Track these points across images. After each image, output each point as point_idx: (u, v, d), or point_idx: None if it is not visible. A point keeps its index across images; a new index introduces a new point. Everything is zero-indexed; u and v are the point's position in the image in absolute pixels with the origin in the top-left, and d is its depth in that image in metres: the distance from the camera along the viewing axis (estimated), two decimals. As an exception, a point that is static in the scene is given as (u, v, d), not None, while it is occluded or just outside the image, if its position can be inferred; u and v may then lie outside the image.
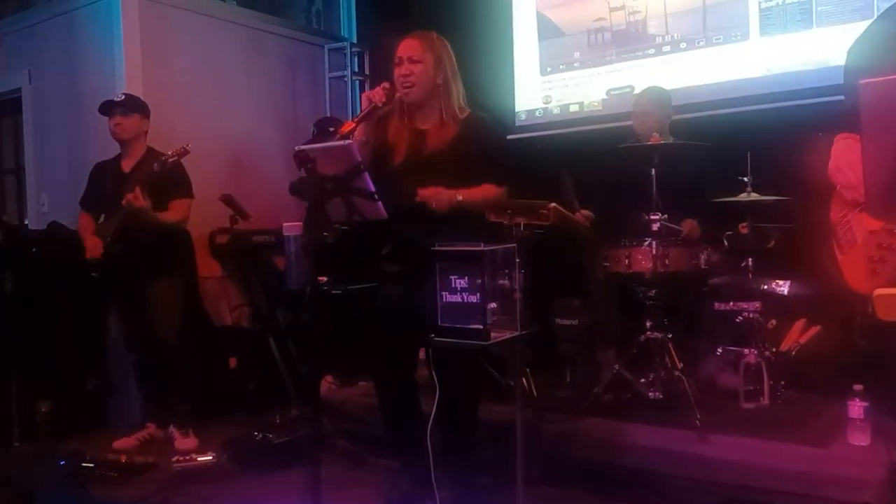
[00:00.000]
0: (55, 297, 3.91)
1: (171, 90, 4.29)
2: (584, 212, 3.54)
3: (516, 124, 4.70)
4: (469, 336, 2.03)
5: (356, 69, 5.42)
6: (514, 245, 2.18)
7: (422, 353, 2.80)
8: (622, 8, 4.30)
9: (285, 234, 3.39)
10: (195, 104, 4.43)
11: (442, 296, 2.07)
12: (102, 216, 3.55)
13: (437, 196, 2.43)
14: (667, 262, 3.02)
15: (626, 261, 3.10)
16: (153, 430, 3.68)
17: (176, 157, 3.33)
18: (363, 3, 5.55)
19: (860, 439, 2.65)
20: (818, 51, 3.69)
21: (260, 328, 4.22)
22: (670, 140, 3.42)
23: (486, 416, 2.68)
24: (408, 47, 2.57)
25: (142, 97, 3.67)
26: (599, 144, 3.66)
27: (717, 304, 3.19)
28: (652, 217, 3.05)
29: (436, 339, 2.08)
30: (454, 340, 2.06)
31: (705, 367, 3.26)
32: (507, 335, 2.11)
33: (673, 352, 3.08)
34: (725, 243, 3.39)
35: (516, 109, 4.71)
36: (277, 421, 3.45)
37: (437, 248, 2.10)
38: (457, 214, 2.47)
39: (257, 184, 4.53)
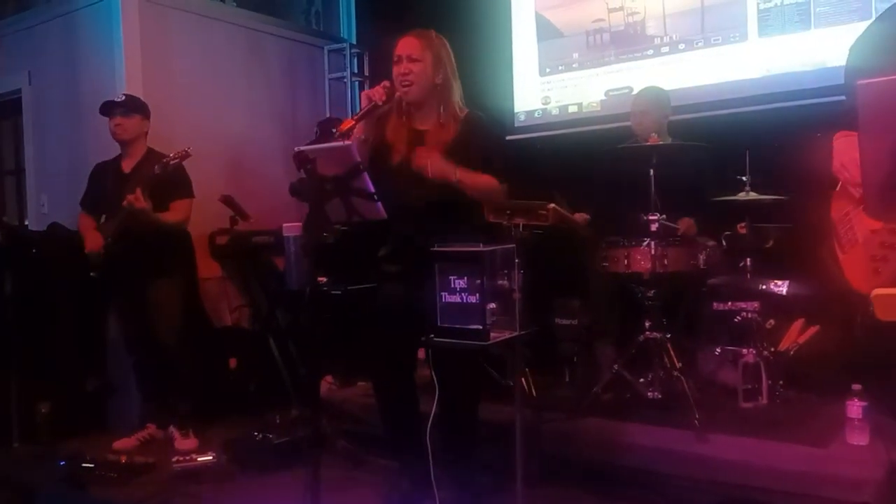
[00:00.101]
0: (55, 297, 3.91)
1: (171, 91, 4.29)
2: (581, 214, 3.55)
3: (515, 125, 4.70)
4: (468, 336, 2.04)
5: (356, 70, 5.43)
6: (514, 245, 2.18)
7: (422, 353, 2.80)
8: (621, 9, 4.30)
9: (285, 234, 3.39)
10: (195, 105, 4.44)
11: (441, 296, 2.07)
12: (103, 217, 3.56)
13: (434, 162, 2.42)
14: (665, 262, 3.03)
15: (625, 261, 3.10)
16: (153, 430, 3.68)
17: (178, 160, 3.33)
18: (362, 4, 5.56)
19: (859, 439, 2.65)
20: (816, 51, 3.70)
21: (260, 329, 4.23)
22: (669, 140, 3.43)
23: (485, 415, 2.68)
24: (407, 46, 2.56)
25: (142, 98, 3.68)
26: (598, 145, 3.67)
27: (715, 304, 3.20)
28: (651, 217, 3.05)
29: (435, 339, 2.09)
30: (453, 341, 2.06)
31: (704, 366, 3.27)
32: (507, 335, 2.11)
33: (672, 352, 3.08)
34: (724, 243, 3.39)
35: (515, 110, 4.72)
36: (277, 421, 3.45)
37: (436, 248, 2.10)
38: (454, 211, 2.47)
39: (257, 185, 4.53)
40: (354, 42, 5.50)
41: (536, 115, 4.67)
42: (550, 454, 2.83)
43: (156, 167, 3.33)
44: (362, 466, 3.15)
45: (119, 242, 3.45)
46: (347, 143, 2.27)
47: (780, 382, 3.11)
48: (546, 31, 4.60)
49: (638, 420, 2.99)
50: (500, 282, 2.11)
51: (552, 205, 3.02)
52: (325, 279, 3.32)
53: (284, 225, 3.38)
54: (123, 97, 3.58)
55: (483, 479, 2.65)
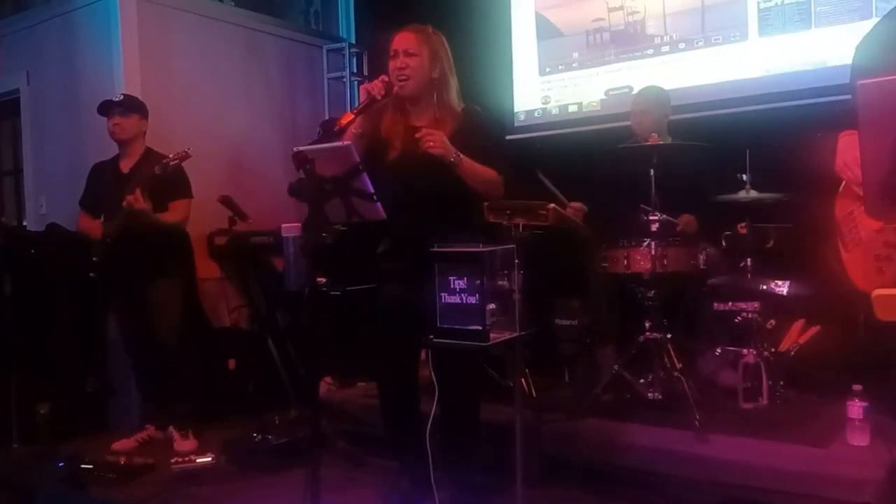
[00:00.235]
0: (54, 298, 3.91)
1: (170, 91, 4.29)
2: (575, 204, 3.54)
3: (515, 125, 4.70)
4: (468, 337, 2.04)
5: (355, 70, 5.43)
6: (513, 246, 2.18)
7: (423, 353, 2.80)
8: (621, 8, 4.30)
9: (284, 235, 3.39)
10: (194, 105, 4.43)
11: (441, 297, 2.07)
12: (102, 217, 3.55)
13: (436, 140, 2.39)
14: (665, 262, 3.02)
15: (625, 261, 3.10)
16: (152, 431, 3.68)
17: (178, 161, 3.32)
18: (361, 4, 5.56)
19: (859, 439, 2.65)
20: (817, 51, 3.70)
21: (259, 329, 4.22)
22: (669, 140, 3.43)
23: (485, 416, 2.68)
24: (403, 40, 2.55)
25: (140, 98, 3.67)
26: (598, 145, 3.66)
27: (716, 305, 3.19)
28: (651, 217, 3.05)
29: (435, 340, 2.08)
30: (453, 342, 2.06)
31: (704, 367, 3.26)
32: (507, 336, 2.11)
33: (672, 352, 3.08)
34: (724, 243, 3.39)
35: (515, 110, 4.72)
36: (276, 422, 3.44)
37: (435, 248, 2.10)
38: (453, 209, 2.47)
39: (256, 185, 4.53)
40: (353, 42, 5.49)
41: (536, 114, 4.67)
42: (550, 455, 2.82)
43: (156, 168, 3.32)
44: (362, 467, 3.15)
45: (118, 243, 3.44)
46: (347, 143, 2.27)
47: (781, 383, 3.11)
48: (546, 30, 4.60)
49: (638, 420, 2.98)
50: (499, 282, 2.10)
51: (552, 205, 3.02)
52: (324, 280, 3.32)
53: (283, 225, 3.39)
54: (121, 97, 3.57)
55: (483, 479, 2.64)
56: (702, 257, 3.11)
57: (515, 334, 2.12)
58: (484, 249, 2.04)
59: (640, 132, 3.47)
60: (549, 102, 4.62)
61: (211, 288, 4.38)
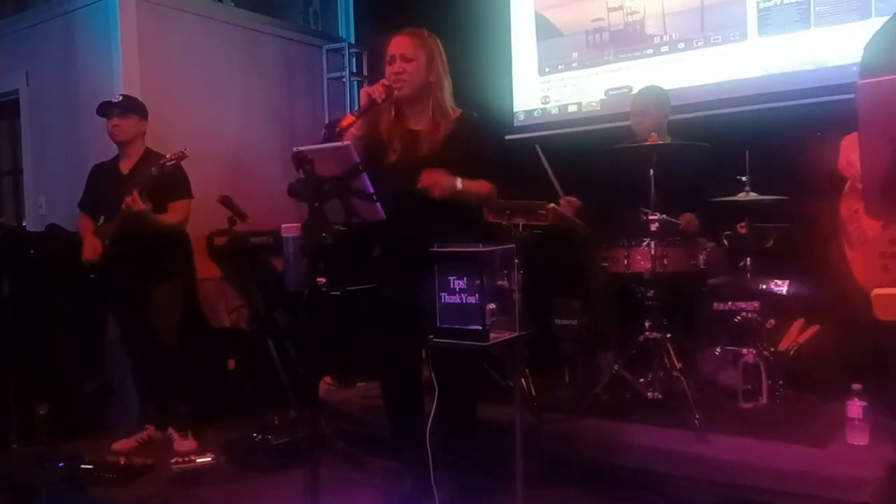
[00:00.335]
0: (54, 298, 3.90)
1: (169, 91, 4.28)
2: (570, 198, 3.54)
3: (515, 125, 4.70)
4: (468, 337, 2.04)
5: (354, 70, 5.42)
6: (513, 246, 2.18)
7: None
8: (620, 8, 4.30)
9: (283, 235, 3.38)
10: (193, 105, 4.43)
11: (441, 297, 2.07)
12: (102, 218, 3.55)
13: (438, 182, 2.44)
14: (665, 262, 3.03)
15: (625, 261, 3.10)
16: (152, 431, 3.68)
17: (174, 161, 3.32)
18: (361, 4, 5.55)
19: (859, 439, 2.65)
20: (816, 51, 3.70)
21: (258, 330, 4.22)
22: (668, 140, 3.43)
23: (485, 416, 2.68)
24: (400, 45, 2.58)
25: (139, 98, 3.67)
26: (598, 144, 3.66)
27: (715, 304, 3.19)
28: (650, 217, 3.05)
29: (435, 340, 2.08)
30: (453, 342, 2.06)
31: (704, 366, 3.26)
32: (506, 336, 2.11)
33: (672, 352, 3.08)
34: (724, 243, 3.39)
35: (515, 110, 4.71)
36: (276, 422, 3.44)
37: (435, 249, 2.10)
38: (452, 210, 2.48)
39: (255, 185, 4.52)
40: (353, 42, 5.49)
41: (536, 114, 4.66)
42: (550, 455, 2.83)
43: (153, 168, 3.32)
44: (362, 467, 3.15)
45: (118, 244, 3.44)
46: (346, 143, 2.27)
47: (780, 382, 3.11)
48: (545, 30, 4.60)
49: (638, 420, 2.98)
50: (499, 282, 2.10)
51: (551, 205, 3.02)
52: (323, 280, 3.31)
53: (283, 226, 3.38)
54: (120, 97, 3.56)
55: (482, 479, 2.64)
56: (701, 257, 3.12)
57: (515, 334, 2.12)
58: (483, 249, 2.04)
59: (640, 133, 3.47)
60: (548, 102, 4.62)
61: (210, 288, 4.38)
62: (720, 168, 3.22)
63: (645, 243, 3.05)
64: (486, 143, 2.62)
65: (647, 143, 3.20)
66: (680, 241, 3.13)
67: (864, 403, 2.64)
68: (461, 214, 2.52)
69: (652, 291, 3.11)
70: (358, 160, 2.21)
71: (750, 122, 3.78)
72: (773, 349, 3.13)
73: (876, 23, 3.44)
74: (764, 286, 3.22)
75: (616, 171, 3.36)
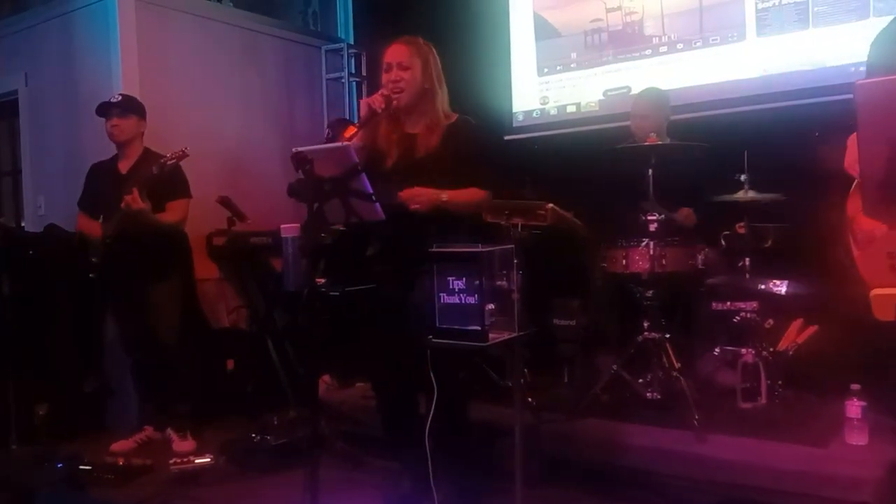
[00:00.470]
0: (53, 299, 3.90)
1: (168, 92, 4.28)
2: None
3: (514, 125, 4.70)
4: (467, 337, 2.04)
5: (353, 70, 5.42)
6: (512, 246, 2.18)
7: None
8: (619, 9, 4.30)
9: (283, 235, 3.39)
10: (192, 106, 4.43)
11: (440, 297, 2.07)
12: (101, 218, 3.55)
13: (417, 197, 2.46)
14: (664, 262, 3.03)
15: (624, 261, 3.10)
16: (151, 432, 3.67)
17: (175, 160, 3.32)
18: (360, 5, 5.55)
19: (858, 439, 2.65)
20: (814, 51, 3.70)
21: (257, 330, 4.22)
22: (667, 140, 3.43)
23: (484, 417, 2.68)
24: (396, 53, 2.61)
25: (138, 99, 3.67)
26: (597, 145, 3.67)
27: (714, 304, 3.20)
28: (649, 217, 3.05)
29: (434, 340, 2.09)
30: (452, 342, 2.06)
31: (703, 366, 3.26)
32: (505, 336, 2.11)
33: (671, 352, 3.08)
34: (723, 243, 3.39)
35: (514, 110, 4.72)
36: (275, 422, 3.44)
37: (434, 249, 2.10)
38: (445, 215, 2.48)
39: (254, 185, 4.52)
40: (352, 42, 5.49)
41: (535, 115, 4.67)
42: (550, 455, 2.83)
43: (153, 168, 3.32)
44: (361, 467, 3.15)
45: (117, 243, 3.44)
46: (346, 143, 2.28)
47: (779, 382, 3.11)
48: (544, 31, 4.60)
49: (637, 420, 2.99)
50: (498, 282, 2.10)
51: (550, 205, 3.02)
52: (322, 280, 3.32)
53: (282, 226, 3.38)
54: (119, 98, 3.56)
55: (482, 479, 2.64)
56: (700, 257, 3.12)
57: (514, 334, 2.12)
58: (482, 250, 2.04)
59: (640, 135, 3.47)
60: (547, 103, 4.62)
61: (210, 288, 4.38)
62: (719, 168, 3.22)
63: (644, 243, 3.05)
64: (481, 145, 2.64)
65: (646, 144, 3.21)
66: (679, 242, 3.13)
67: (863, 403, 2.65)
68: (453, 218, 2.53)
69: (651, 291, 3.11)
70: (357, 161, 2.22)
71: (748, 122, 3.78)
72: (771, 349, 3.14)
73: (874, 23, 3.44)
74: (763, 286, 3.23)
75: (615, 171, 3.36)
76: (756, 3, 3.86)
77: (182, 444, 3.52)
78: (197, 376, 3.74)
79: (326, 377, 3.95)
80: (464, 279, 2.03)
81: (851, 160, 2.12)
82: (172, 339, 3.56)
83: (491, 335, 2.05)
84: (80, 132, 4.27)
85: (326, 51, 5.37)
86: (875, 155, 1.39)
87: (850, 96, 1.44)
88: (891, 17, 2.40)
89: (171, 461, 3.23)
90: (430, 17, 4.30)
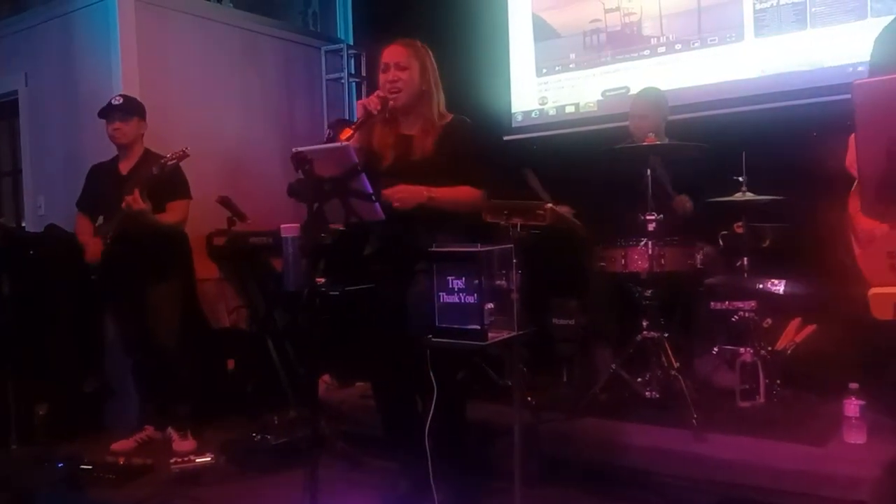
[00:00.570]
0: (53, 299, 3.91)
1: (168, 92, 4.29)
2: (562, 208, 3.54)
3: (512, 125, 4.71)
4: (466, 337, 2.05)
5: (353, 71, 5.43)
6: (511, 246, 2.19)
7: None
8: (617, 9, 4.31)
9: (283, 235, 3.39)
10: (192, 106, 4.43)
11: (439, 296, 2.08)
12: (100, 218, 3.55)
13: (398, 194, 2.46)
14: (662, 261, 3.03)
15: (623, 261, 3.11)
16: (151, 432, 3.68)
17: (175, 161, 3.33)
18: (359, 5, 5.56)
19: (856, 437, 2.66)
20: (812, 52, 3.71)
21: (258, 330, 4.22)
22: (666, 140, 3.44)
23: (484, 416, 2.68)
24: (394, 54, 2.62)
25: (139, 99, 3.67)
26: (595, 145, 3.67)
27: (712, 304, 3.20)
28: (648, 217, 3.06)
29: (434, 339, 2.09)
30: (452, 341, 2.07)
31: (702, 366, 3.27)
32: (505, 335, 2.12)
33: (669, 351, 3.09)
34: (721, 243, 3.40)
35: (512, 111, 4.72)
36: (275, 422, 3.45)
37: (434, 249, 2.11)
38: (432, 213, 2.49)
39: (254, 185, 4.53)
40: (352, 43, 5.50)
41: (533, 115, 4.68)
42: (549, 454, 2.83)
43: (153, 168, 3.33)
44: (361, 467, 3.15)
45: (117, 244, 3.44)
46: (345, 143, 2.28)
47: (778, 381, 3.11)
48: (543, 31, 4.61)
49: (636, 420, 2.99)
50: (497, 282, 2.11)
51: (549, 205, 3.03)
52: (322, 280, 3.33)
53: (282, 226, 3.38)
54: (121, 100, 3.56)
55: (481, 479, 2.65)
56: (699, 257, 3.13)
57: (513, 334, 2.13)
58: (482, 249, 2.05)
59: (639, 136, 3.47)
60: (546, 103, 4.63)
61: (210, 289, 4.38)
62: (717, 168, 3.23)
63: (642, 243, 3.06)
64: (477, 144, 2.65)
65: (645, 144, 3.21)
66: (677, 241, 3.14)
67: (861, 402, 2.65)
68: (441, 216, 2.53)
69: (649, 291, 3.12)
70: (356, 161, 2.23)
71: (747, 122, 3.79)
72: (770, 348, 3.14)
73: (872, 23, 3.45)
74: (761, 286, 3.23)
75: (614, 171, 3.37)
76: (754, 4, 3.87)
77: (182, 444, 3.53)
78: (197, 376, 3.75)
79: (326, 377, 3.96)
80: (463, 279, 2.04)
81: (852, 159, 2.13)
82: (172, 341, 3.56)
83: (490, 334, 2.06)
84: (80, 132, 4.27)
85: (326, 51, 5.38)
86: (873, 154, 1.39)
87: (849, 96, 1.44)
88: (890, 17, 2.41)
89: (172, 461, 3.24)
90: (429, 17, 4.31)
